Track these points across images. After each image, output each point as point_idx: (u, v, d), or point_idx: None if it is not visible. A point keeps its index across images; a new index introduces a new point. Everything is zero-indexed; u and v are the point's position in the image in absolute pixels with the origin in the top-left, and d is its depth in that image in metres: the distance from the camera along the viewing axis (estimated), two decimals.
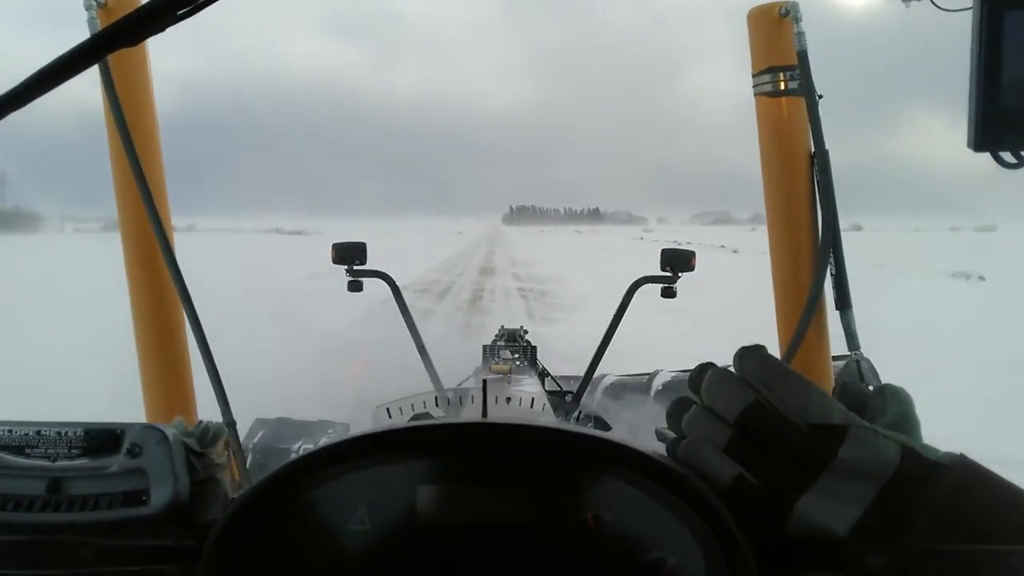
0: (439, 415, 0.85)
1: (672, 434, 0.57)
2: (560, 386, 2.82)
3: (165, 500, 0.55)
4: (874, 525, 0.50)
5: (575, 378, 2.80)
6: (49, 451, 0.57)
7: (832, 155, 1.56)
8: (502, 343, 3.16)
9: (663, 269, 2.47)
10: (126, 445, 0.56)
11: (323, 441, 2.42)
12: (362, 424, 2.44)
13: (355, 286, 2.69)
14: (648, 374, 3.10)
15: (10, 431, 0.57)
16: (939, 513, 0.49)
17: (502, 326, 3.56)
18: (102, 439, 0.57)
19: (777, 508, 0.52)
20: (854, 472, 0.51)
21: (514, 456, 0.55)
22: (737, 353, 0.56)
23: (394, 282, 2.76)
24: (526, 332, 3.37)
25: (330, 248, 2.68)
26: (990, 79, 0.53)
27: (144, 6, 0.52)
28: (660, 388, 3.01)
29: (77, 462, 0.57)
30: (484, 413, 0.66)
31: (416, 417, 0.83)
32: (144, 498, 0.56)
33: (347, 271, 2.66)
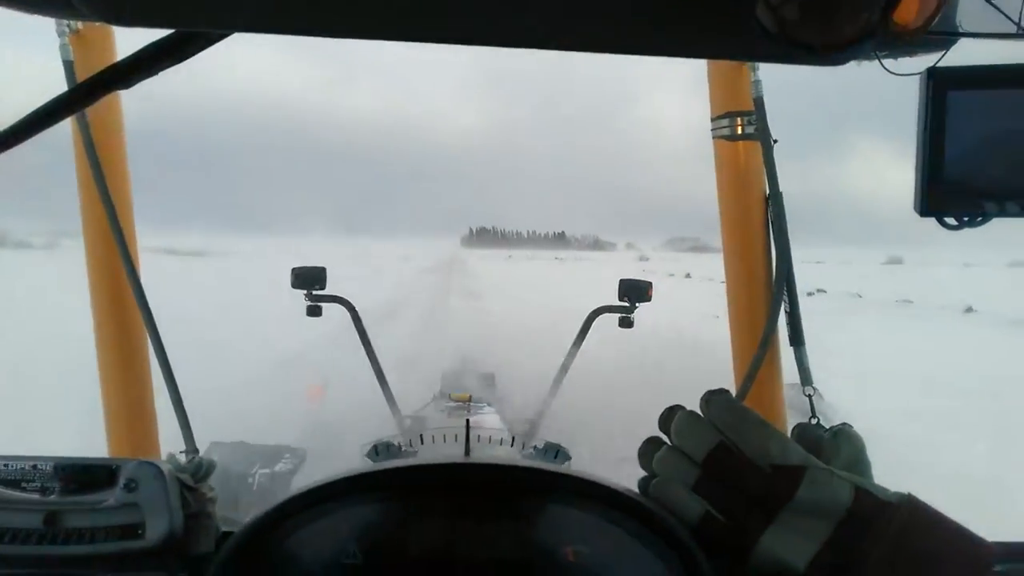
0: (423, 453, 0.88)
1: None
2: (518, 414, 2.86)
3: (160, 534, 0.57)
4: (830, 560, 0.55)
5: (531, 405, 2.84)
6: (45, 485, 0.59)
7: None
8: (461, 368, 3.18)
9: (620, 299, 2.53)
10: (122, 480, 0.58)
11: (280, 466, 2.41)
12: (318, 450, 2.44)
13: (314, 311, 2.70)
14: None
15: (6, 465, 0.59)
16: (889, 549, 0.53)
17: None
18: (98, 474, 0.59)
19: (741, 543, 0.57)
20: (811, 510, 0.55)
21: (499, 494, 0.59)
22: (703, 397, 0.60)
23: (354, 308, 2.77)
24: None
25: (290, 273, 2.68)
26: (934, 152, 0.59)
27: (136, 54, 0.54)
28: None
29: (73, 496, 0.58)
30: (467, 452, 0.69)
31: (399, 455, 0.86)
32: (140, 532, 0.57)
33: (306, 296, 2.66)
